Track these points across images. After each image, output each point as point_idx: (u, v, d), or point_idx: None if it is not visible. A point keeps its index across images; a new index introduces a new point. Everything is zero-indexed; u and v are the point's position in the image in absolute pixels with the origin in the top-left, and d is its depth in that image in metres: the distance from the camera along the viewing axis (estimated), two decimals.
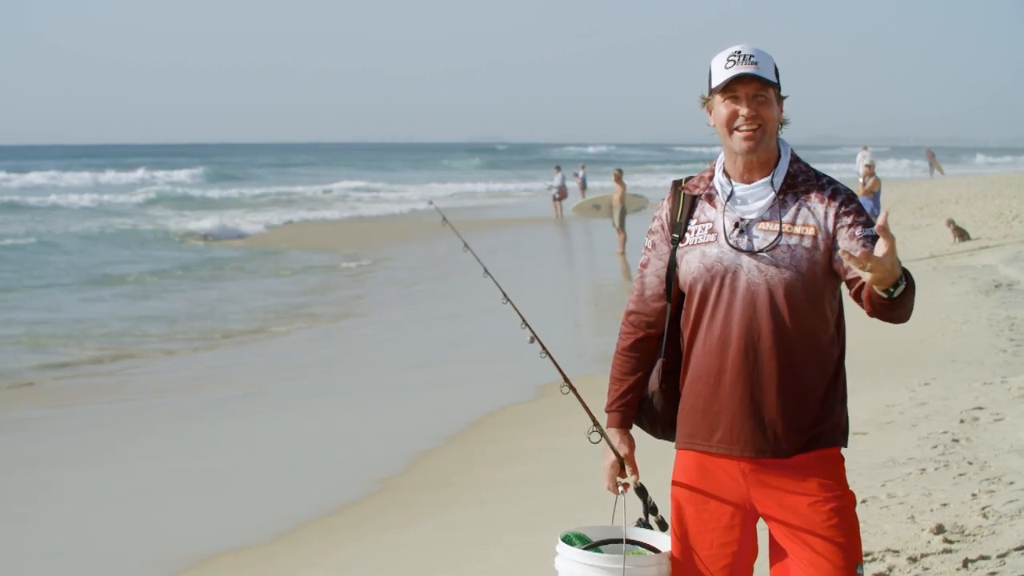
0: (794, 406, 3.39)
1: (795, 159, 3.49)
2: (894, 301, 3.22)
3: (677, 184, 3.61)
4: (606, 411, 3.70)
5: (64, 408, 11.39)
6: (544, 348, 3.83)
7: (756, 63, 3.39)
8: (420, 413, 10.84)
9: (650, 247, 3.61)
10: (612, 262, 23.94)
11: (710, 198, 3.50)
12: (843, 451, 3.52)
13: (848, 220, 3.38)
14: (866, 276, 3.16)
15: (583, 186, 40.29)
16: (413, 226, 34.68)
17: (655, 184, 54.16)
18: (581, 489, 7.94)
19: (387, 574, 6.86)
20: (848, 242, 3.35)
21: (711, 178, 3.53)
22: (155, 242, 31.09)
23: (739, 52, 3.40)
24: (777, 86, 3.44)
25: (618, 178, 25.88)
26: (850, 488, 3.49)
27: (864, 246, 3.30)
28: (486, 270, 4.19)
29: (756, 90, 3.40)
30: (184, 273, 23.45)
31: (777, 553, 3.47)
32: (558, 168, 39.44)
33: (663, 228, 3.58)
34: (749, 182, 3.46)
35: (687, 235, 3.51)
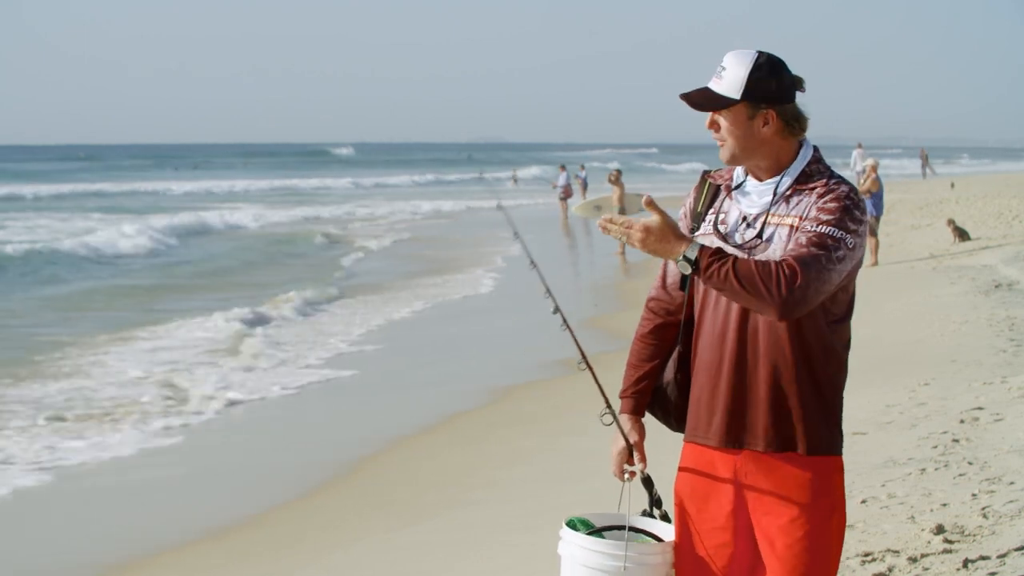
0: (784, 402, 3.35)
1: (815, 160, 3.42)
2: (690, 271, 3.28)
3: (705, 174, 3.60)
4: (620, 397, 3.67)
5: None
6: (565, 321, 3.76)
7: (721, 76, 3.36)
8: (418, 412, 10.84)
9: None
10: (612, 262, 23.94)
11: (729, 190, 3.50)
12: (844, 454, 3.47)
13: (814, 213, 3.31)
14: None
15: (584, 187, 40.24)
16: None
17: None
18: (581, 489, 7.94)
19: (387, 574, 6.86)
20: (792, 233, 3.31)
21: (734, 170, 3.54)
22: None
23: (721, 60, 3.38)
24: (735, 101, 3.35)
25: (616, 179, 25.87)
26: (845, 498, 3.42)
27: (798, 241, 3.26)
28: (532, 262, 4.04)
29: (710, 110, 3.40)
30: None
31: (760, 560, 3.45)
32: (563, 167, 38.75)
33: (686, 216, 3.58)
34: (759, 180, 3.44)
35: (703, 224, 3.50)
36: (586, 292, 19.89)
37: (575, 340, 3.69)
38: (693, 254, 3.23)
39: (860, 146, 37.36)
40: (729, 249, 3.36)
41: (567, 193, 36.38)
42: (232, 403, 11.34)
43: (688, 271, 3.26)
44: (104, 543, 7.79)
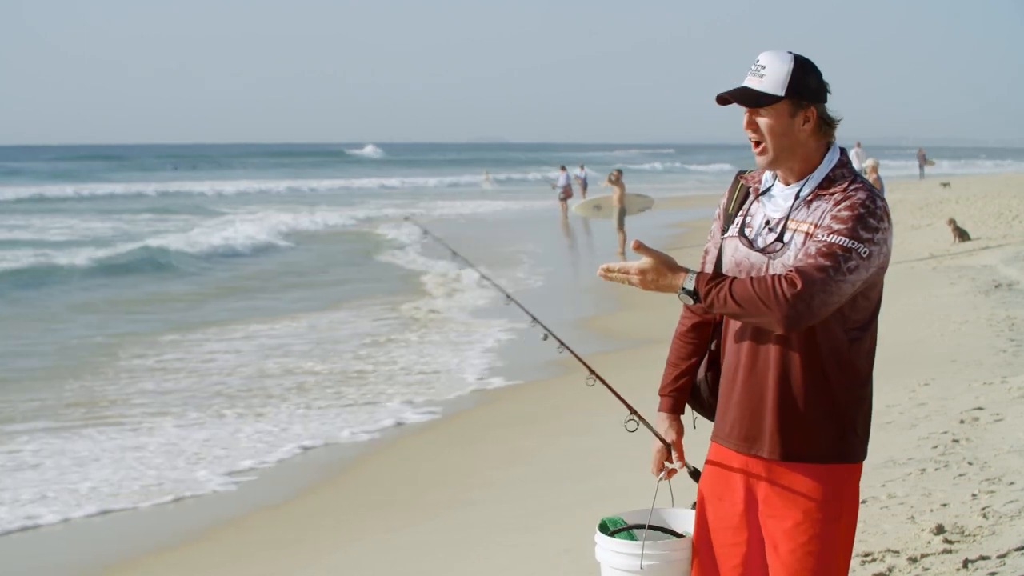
0: (793, 410, 3.34)
1: (840, 164, 3.39)
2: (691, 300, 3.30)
3: (739, 175, 3.60)
4: (659, 395, 3.69)
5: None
6: (561, 342, 3.79)
7: (762, 75, 3.33)
8: (418, 412, 10.84)
9: (711, 234, 3.62)
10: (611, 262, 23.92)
11: (757, 192, 3.49)
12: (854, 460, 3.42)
13: (827, 222, 3.28)
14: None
15: (584, 187, 40.24)
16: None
17: None
18: (581, 489, 7.94)
19: (386, 574, 6.87)
20: (806, 241, 3.29)
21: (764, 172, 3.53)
22: None
23: (756, 60, 3.36)
24: (779, 98, 3.32)
25: (616, 179, 25.83)
26: (858, 503, 3.41)
27: (808, 251, 3.23)
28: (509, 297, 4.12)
29: (749, 107, 3.37)
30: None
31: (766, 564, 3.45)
32: (563, 168, 38.72)
33: (719, 217, 3.58)
34: (786, 184, 3.43)
35: (731, 227, 3.50)
36: (585, 292, 19.87)
37: (580, 359, 3.74)
38: (691, 285, 3.26)
39: (859, 145, 37.26)
40: (753, 255, 3.36)
41: (567, 193, 36.31)
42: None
43: (691, 302, 3.28)
44: (104, 542, 7.79)
